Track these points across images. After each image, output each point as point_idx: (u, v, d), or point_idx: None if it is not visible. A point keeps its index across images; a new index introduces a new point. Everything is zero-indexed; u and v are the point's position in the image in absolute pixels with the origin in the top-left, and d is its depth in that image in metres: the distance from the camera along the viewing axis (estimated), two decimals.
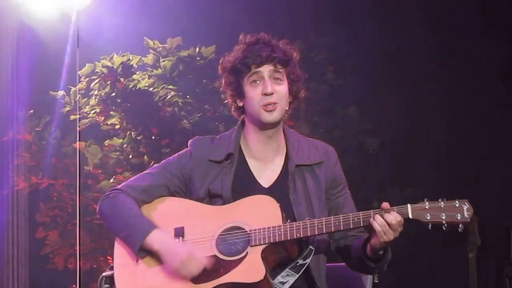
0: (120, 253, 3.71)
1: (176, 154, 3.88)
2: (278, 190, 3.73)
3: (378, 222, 3.49)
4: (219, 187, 3.73)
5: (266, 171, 3.79)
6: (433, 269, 7.05)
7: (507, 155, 6.96)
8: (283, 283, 3.60)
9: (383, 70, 7.09)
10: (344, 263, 3.89)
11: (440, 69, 7.10)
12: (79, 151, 6.97)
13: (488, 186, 6.85)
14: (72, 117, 7.06)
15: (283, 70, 3.73)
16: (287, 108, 3.75)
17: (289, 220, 3.59)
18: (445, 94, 7.07)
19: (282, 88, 3.72)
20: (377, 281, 3.78)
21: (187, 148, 3.86)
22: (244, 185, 3.74)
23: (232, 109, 3.86)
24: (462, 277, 6.38)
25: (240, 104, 3.79)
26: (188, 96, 7.04)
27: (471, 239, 6.34)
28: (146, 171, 3.87)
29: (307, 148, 3.81)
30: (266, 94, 3.67)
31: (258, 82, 3.70)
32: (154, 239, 3.63)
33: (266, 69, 3.70)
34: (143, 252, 3.65)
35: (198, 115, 6.99)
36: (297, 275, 3.62)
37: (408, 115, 7.12)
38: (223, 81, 3.83)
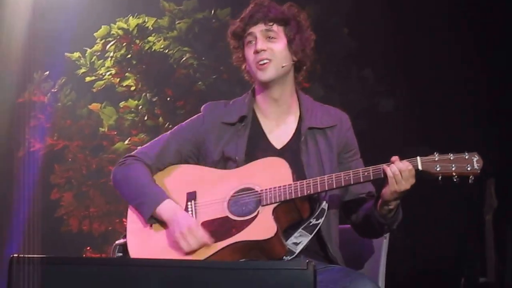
0: (133, 219, 3.77)
1: (188, 119, 3.95)
2: (290, 151, 3.79)
3: (391, 170, 3.53)
4: (233, 150, 3.78)
5: (279, 132, 3.85)
6: (449, 232, 7.05)
7: None
8: (296, 243, 3.64)
9: (399, 33, 7.07)
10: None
11: (458, 32, 7.06)
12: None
13: (504, 147, 6.83)
14: (87, 78, 7.09)
15: (278, 29, 3.79)
16: (284, 65, 3.77)
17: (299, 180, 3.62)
18: (462, 56, 7.04)
19: (276, 46, 3.78)
20: (386, 239, 3.86)
21: (200, 113, 3.91)
22: (258, 146, 3.80)
23: (245, 72, 3.95)
24: (479, 240, 6.40)
25: (245, 67, 3.89)
26: (203, 58, 7.04)
27: (487, 201, 6.34)
28: (159, 137, 3.93)
29: (320, 113, 3.87)
30: (256, 52, 3.75)
31: (252, 42, 3.80)
32: (164, 209, 3.69)
33: (258, 29, 3.79)
34: (154, 220, 3.71)
35: (213, 77, 6.99)
36: (310, 236, 3.66)
37: (424, 76, 7.11)
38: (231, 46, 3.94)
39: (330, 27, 6.91)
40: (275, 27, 3.79)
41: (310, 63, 3.90)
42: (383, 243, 3.94)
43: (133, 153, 3.90)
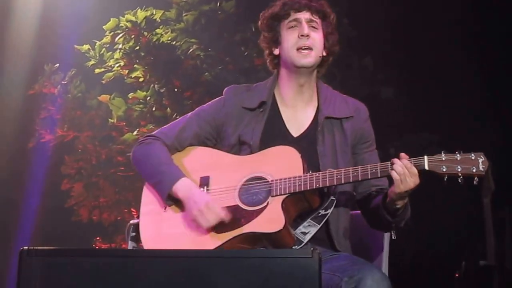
0: (148, 200, 3.82)
1: (210, 102, 4.00)
2: (307, 140, 3.83)
3: (397, 170, 3.54)
4: (249, 134, 3.82)
5: (297, 120, 3.89)
6: (449, 216, 7.08)
7: None
8: (304, 233, 3.68)
9: (398, 22, 7.10)
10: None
11: (457, 20, 7.08)
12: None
13: (503, 131, 6.85)
14: (96, 70, 7.14)
15: (319, 21, 3.88)
16: (320, 55, 3.86)
17: (310, 171, 3.65)
18: (462, 43, 7.06)
19: (317, 35, 3.87)
20: (394, 238, 3.80)
21: (222, 96, 3.96)
22: (274, 133, 3.84)
23: (268, 61, 3.98)
24: (479, 223, 6.42)
25: (276, 52, 3.91)
26: (209, 49, 7.07)
27: (485, 184, 6.36)
28: (180, 118, 3.98)
29: (338, 103, 3.91)
30: (302, 36, 3.81)
31: (295, 27, 3.85)
32: (180, 187, 3.73)
33: (303, 15, 3.86)
34: (171, 199, 3.75)
35: (220, 67, 7.01)
36: (319, 226, 3.70)
37: (423, 63, 7.14)
38: (262, 34, 3.97)
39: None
40: (317, 18, 3.87)
41: (332, 59, 3.98)
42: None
43: (153, 133, 3.96)
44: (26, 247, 3.19)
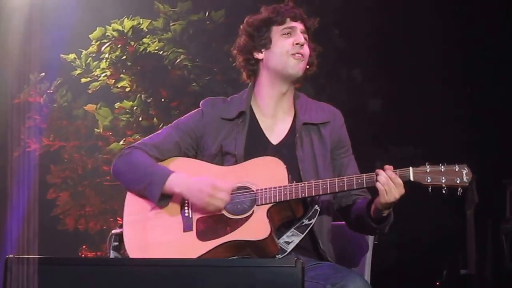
0: (130, 210, 3.81)
1: (188, 114, 4.01)
2: (286, 146, 3.86)
3: (381, 181, 3.59)
4: (232, 145, 3.84)
5: (276, 129, 3.92)
6: (432, 226, 7.12)
7: (505, 115, 7.00)
8: (288, 242, 3.70)
9: (387, 34, 7.13)
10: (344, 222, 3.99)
11: (445, 31, 7.13)
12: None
13: (485, 145, 6.90)
14: (83, 80, 7.11)
15: (306, 35, 3.92)
16: (307, 67, 3.90)
17: (294, 181, 3.68)
18: (448, 56, 7.11)
19: (307, 48, 3.92)
20: (376, 242, 3.91)
21: (199, 108, 3.97)
22: (255, 142, 3.86)
23: (244, 68, 4.00)
24: (460, 234, 6.46)
25: (259, 56, 3.92)
26: (197, 60, 7.07)
27: (469, 197, 6.42)
28: (160, 131, 3.99)
29: (314, 109, 3.95)
30: (298, 44, 3.84)
31: (289, 34, 3.88)
32: (175, 182, 3.73)
33: (299, 25, 3.91)
34: (164, 200, 3.74)
35: (207, 78, 7.02)
36: (302, 235, 3.72)
37: (411, 77, 7.18)
38: (243, 38, 3.97)
39: (320, 27, 6.95)
40: (306, 32, 3.93)
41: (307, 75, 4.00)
42: (369, 239, 4.01)
43: (133, 144, 3.96)
44: (12, 255, 3.19)
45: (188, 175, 3.74)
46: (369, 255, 3.99)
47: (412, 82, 7.19)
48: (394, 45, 7.17)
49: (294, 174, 3.75)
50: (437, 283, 6.74)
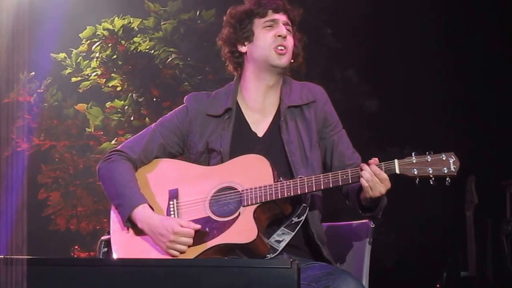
0: (115, 219, 3.79)
1: (172, 111, 3.98)
2: (272, 133, 3.84)
3: (365, 177, 3.56)
4: (218, 142, 3.81)
5: (262, 122, 3.89)
6: (432, 228, 7.11)
7: (505, 116, 7.00)
8: (279, 241, 3.68)
9: (381, 34, 7.13)
10: (342, 222, 3.99)
11: (441, 30, 7.13)
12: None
13: (485, 146, 6.90)
14: (73, 79, 7.07)
15: (291, 27, 3.89)
16: (291, 60, 3.85)
17: (281, 178, 3.65)
18: (445, 55, 7.10)
19: (291, 40, 3.88)
20: (373, 226, 3.87)
21: (183, 104, 3.94)
22: (242, 138, 3.84)
23: (229, 60, 3.98)
24: (460, 235, 6.46)
25: (243, 49, 3.90)
26: (188, 59, 7.04)
27: (468, 198, 6.42)
28: (144, 130, 3.95)
29: (299, 89, 3.91)
30: (280, 36, 3.81)
31: (271, 27, 3.85)
32: (137, 217, 3.69)
33: (281, 17, 3.87)
34: (130, 224, 3.72)
35: (199, 77, 6.98)
36: (293, 233, 3.70)
37: (407, 76, 7.17)
38: (227, 29, 3.93)
39: (314, 27, 6.95)
40: (290, 24, 3.90)
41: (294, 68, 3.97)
42: (366, 241, 3.97)
43: (118, 147, 3.92)
44: (3, 256, 3.16)
45: (153, 213, 3.70)
46: (367, 257, 3.94)
47: (408, 82, 7.18)
48: (390, 45, 7.17)
49: (282, 158, 3.75)
50: (437, 285, 6.74)
